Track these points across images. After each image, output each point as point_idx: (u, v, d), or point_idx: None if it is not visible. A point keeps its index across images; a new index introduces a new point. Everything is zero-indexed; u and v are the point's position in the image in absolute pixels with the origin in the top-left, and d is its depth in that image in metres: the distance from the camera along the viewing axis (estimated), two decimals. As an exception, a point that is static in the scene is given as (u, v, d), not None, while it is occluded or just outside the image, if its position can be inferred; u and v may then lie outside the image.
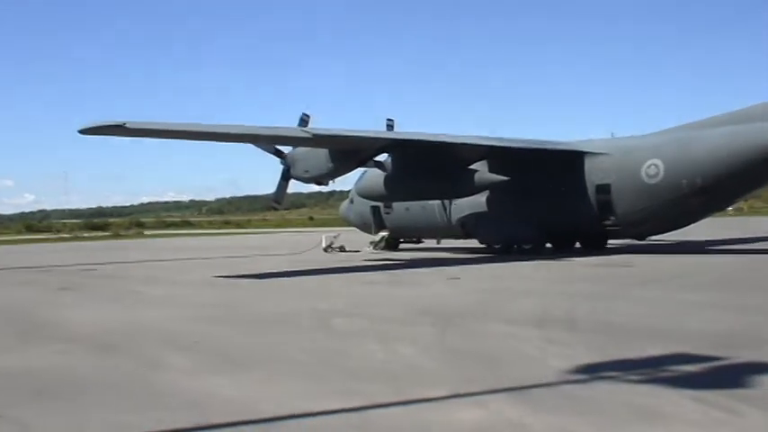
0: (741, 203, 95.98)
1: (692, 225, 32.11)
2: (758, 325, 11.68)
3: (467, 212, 33.48)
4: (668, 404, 7.08)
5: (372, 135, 29.23)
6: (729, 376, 8.14)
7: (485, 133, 31.65)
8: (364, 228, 39.83)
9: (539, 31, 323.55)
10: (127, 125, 23.23)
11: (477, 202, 32.49)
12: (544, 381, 8.11)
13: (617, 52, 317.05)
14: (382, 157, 31.64)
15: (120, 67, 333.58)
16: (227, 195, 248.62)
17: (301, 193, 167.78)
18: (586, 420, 6.63)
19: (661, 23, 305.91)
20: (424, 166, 29.53)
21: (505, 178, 29.50)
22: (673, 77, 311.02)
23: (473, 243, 35.43)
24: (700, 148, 28.16)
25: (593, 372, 8.52)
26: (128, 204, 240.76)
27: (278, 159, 30.83)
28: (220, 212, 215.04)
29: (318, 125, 28.46)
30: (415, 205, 35.28)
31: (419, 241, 40.08)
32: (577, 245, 33.00)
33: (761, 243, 35.60)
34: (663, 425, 6.45)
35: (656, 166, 28.81)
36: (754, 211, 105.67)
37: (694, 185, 28.04)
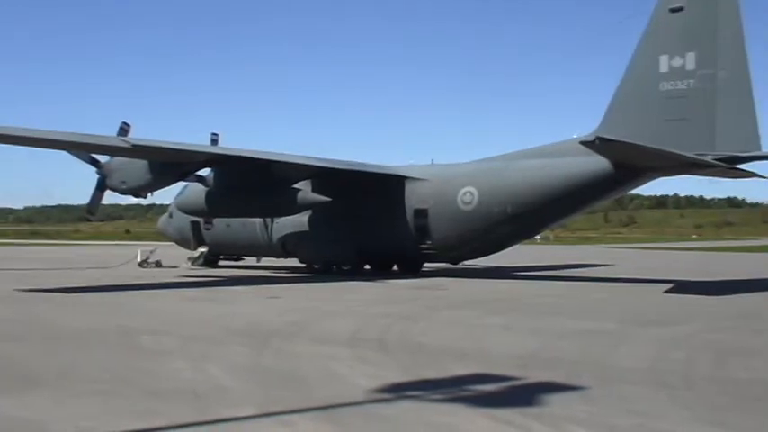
0: (548, 232, 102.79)
1: (503, 251, 33.66)
2: (551, 347, 12.42)
3: (288, 231, 33.39)
4: (466, 422, 7.39)
5: (194, 148, 28.49)
6: (524, 395, 8.60)
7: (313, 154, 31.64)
8: (183, 243, 38.76)
9: (368, 59, 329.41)
10: None
11: (299, 221, 32.51)
12: (351, 400, 8.23)
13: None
14: (205, 172, 30.99)
15: None
16: (38, 204, 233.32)
17: (119, 205, 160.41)
18: (387, 439, 6.77)
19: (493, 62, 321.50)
20: (247, 183, 29.17)
21: (327, 199, 29.69)
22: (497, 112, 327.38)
23: (293, 262, 35.41)
24: (512, 178, 29.61)
25: (398, 391, 8.73)
26: None
27: (94, 168, 29.43)
28: (29, 222, 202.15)
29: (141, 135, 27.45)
30: (236, 222, 34.78)
31: (239, 259, 39.48)
32: (395, 267, 33.75)
33: (563, 270, 38.00)
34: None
35: (470, 193, 30.00)
36: (559, 240, 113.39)
37: (505, 213, 29.43)
